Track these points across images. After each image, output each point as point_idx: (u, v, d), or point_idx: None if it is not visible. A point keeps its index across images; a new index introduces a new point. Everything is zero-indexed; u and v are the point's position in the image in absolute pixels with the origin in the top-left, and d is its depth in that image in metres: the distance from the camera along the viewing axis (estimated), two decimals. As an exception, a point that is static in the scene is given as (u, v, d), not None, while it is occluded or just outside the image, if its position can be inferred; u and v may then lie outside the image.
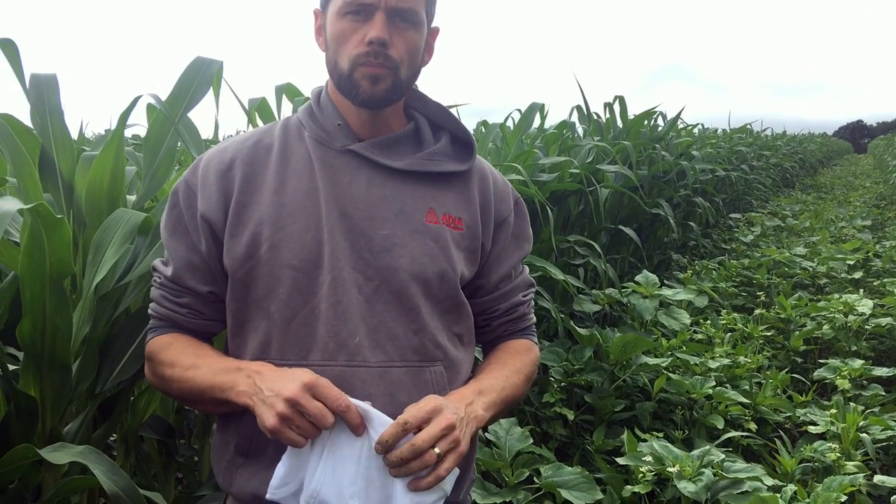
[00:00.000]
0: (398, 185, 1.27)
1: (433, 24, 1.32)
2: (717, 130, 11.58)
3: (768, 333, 4.41)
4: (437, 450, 1.11)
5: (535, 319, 1.49)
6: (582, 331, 3.31)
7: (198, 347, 1.29)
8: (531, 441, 2.45)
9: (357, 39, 1.21)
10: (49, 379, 1.51)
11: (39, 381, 1.52)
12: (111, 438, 2.22)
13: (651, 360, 3.20)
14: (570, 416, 3.01)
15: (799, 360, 4.23)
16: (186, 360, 1.25)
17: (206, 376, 1.21)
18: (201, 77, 1.87)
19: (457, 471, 1.16)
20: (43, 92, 1.71)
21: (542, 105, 4.68)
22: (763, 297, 5.21)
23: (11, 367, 1.59)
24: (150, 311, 1.34)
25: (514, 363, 1.37)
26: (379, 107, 1.26)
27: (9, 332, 1.65)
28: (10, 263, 1.59)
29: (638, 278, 3.84)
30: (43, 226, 1.29)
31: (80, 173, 1.75)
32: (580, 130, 5.53)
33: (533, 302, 1.49)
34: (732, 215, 9.68)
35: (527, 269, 1.48)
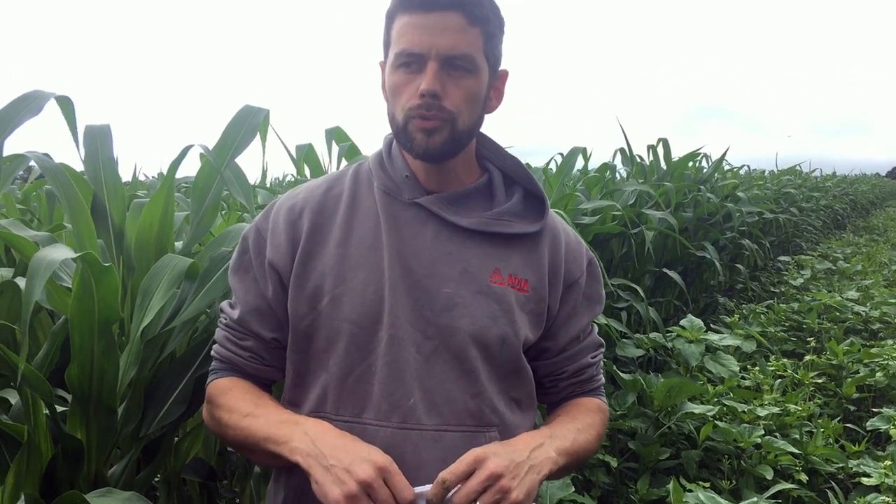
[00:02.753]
0: (464, 242, 1.24)
1: (502, 67, 1.28)
2: (763, 172, 11.44)
3: (819, 380, 4.29)
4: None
5: (603, 380, 1.44)
6: (625, 376, 3.27)
7: (257, 395, 1.27)
8: (573, 489, 2.41)
9: (410, 91, 1.18)
10: (95, 422, 1.54)
11: (86, 424, 1.55)
12: (153, 480, 2.25)
13: (697, 409, 3.13)
14: (614, 464, 2.96)
15: (852, 408, 4.10)
16: (244, 406, 1.23)
17: (263, 426, 1.18)
18: (248, 125, 1.92)
19: None
20: (97, 142, 1.77)
21: (584, 149, 4.69)
22: (814, 343, 5.09)
23: (59, 409, 1.62)
24: (212, 352, 1.34)
25: (585, 419, 1.32)
26: (437, 160, 1.22)
27: (58, 373, 1.69)
28: (62, 308, 1.63)
29: (683, 322, 3.79)
30: (92, 273, 1.33)
31: (131, 220, 1.81)
32: (623, 172, 5.52)
33: (602, 363, 1.44)
34: (781, 258, 9.51)
35: (596, 329, 1.42)
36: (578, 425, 1.29)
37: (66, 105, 1.60)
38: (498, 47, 1.24)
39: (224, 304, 1.35)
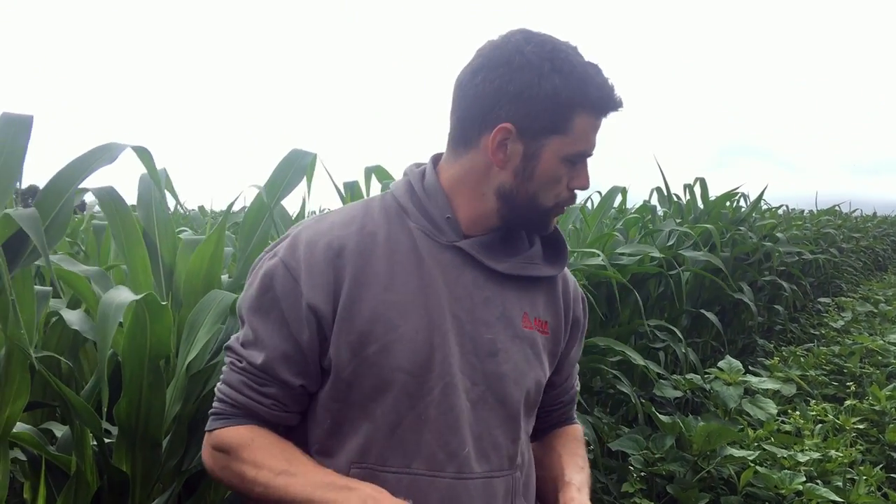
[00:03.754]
0: (498, 287, 1.23)
1: None
2: (803, 212, 11.32)
3: (861, 426, 4.19)
4: None
5: None
6: (663, 418, 3.23)
7: (286, 450, 1.18)
8: (610, 533, 2.38)
9: (564, 184, 1.21)
10: (141, 455, 1.57)
11: (132, 457, 1.58)
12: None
13: (737, 453, 3.08)
14: (651, 508, 2.92)
15: (895, 455, 4.01)
16: (275, 463, 1.15)
17: (304, 488, 1.12)
18: (296, 167, 1.98)
19: None
20: (149, 183, 1.83)
21: (624, 188, 4.70)
22: (855, 387, 4.98)
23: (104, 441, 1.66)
24: (222, 395, 1.21)
25: (579, 451, 1.39)
26: None
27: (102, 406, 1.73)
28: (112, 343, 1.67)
29: (721, 364, 3.74)
30: (148, 311, 1.37)
31: (181, 256, 1.85)
32: (660, 212, 5.51)
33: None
34: (821, 299, 9.35)
35: None
36: (581, 462, 1.36)
37: (145, 156, 1.66)
38: None
39: (234, 344, 1.22)
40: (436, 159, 1.28)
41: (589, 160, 1.23)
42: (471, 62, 1.20)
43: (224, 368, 1.23)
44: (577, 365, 1.48)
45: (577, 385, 1.48)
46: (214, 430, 1.21)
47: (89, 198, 1.97)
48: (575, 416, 1.50)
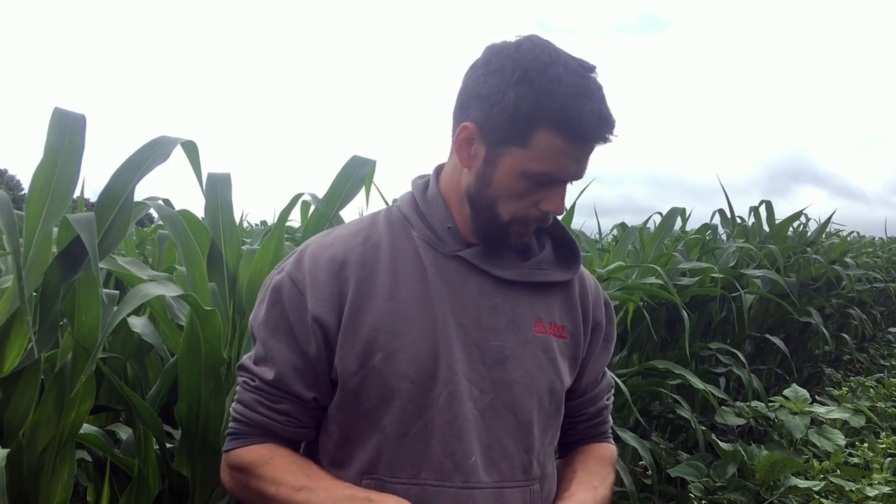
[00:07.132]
0: (507, 294, 1.22)
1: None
2: (873, 238, 10.97)
3: (935, 461, 4.02)
4: None
5: (612, 422, 1.45)
6: (725, 445, 3.14)
7: (304, 465, 1.19)
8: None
9: (530, 201, 1.17)
10: (201, 460, 1.59)
11: (192, 462, 1.59)
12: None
13: (802, 483, 2.98)
14: (711, 537, 2.84)
15: (971, 493, 3.82)
16: (294, 479, 1.15)
17: (324, 502, 1.12)
18: (356, 176, 1.97)
19: None
20: (217, 189, 1.85)
21: (683, 209, 4.63)
22: (928, 421, 4.79)
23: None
24: (237, 415, 1.22)
25: (601, 471, 1.32)
26: None
27: (166, 411, 1.75)
28: (176, 348, 1.70)
29: (787, 392, 3.63)
30: (196, 315, 1.38)
31: (244, 265, 1.87)
32: (723, 235, 5.42)
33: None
34: (891, 329, 9.04)
35: (608, 371, 1.43)
36: (594, 481, 1.28)
37: (191, 149, 1.68)
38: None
39: (247, 363, 1.24)
40: (438, 169, 1.29)
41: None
42: None
43: (237, 388, 1.24)
44: (609, 379, 1.42)
45: (608, 400, 1.41)
46: (231, 450, 1.22)
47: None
48: (609, 435, 1.43)
